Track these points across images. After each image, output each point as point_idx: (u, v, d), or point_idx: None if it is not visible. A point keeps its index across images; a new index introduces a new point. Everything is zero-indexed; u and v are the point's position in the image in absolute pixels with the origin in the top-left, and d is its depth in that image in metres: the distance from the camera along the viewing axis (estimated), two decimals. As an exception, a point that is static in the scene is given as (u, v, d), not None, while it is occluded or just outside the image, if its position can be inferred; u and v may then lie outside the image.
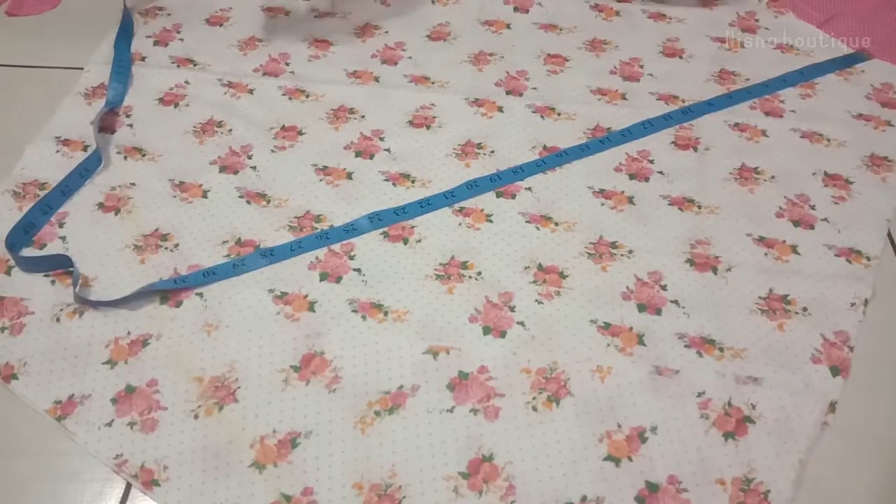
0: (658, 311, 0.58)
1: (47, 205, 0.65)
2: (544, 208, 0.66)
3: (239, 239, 0.63)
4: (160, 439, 0.51)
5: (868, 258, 0.62)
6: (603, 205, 0.66)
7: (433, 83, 0.78)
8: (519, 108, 0.75)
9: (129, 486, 0.50)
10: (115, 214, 0.65)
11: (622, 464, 0.50)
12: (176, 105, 0.76)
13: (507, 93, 0.77)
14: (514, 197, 0.67)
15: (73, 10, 0.90)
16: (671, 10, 0.87)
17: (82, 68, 0.80)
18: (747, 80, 0.78)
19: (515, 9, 0.88)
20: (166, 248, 0.62)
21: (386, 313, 0.58)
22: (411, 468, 0.50)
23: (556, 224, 0.64)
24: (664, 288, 0.60)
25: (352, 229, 0.63)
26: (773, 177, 0.68)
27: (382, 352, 0.56)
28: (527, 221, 0.64)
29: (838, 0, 0.85)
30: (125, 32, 0.83)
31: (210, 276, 0.60)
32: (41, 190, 0.67)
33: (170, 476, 0.50)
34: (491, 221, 0.65)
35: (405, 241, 0.63)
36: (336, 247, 0.62)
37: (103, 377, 0.54)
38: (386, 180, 0.68)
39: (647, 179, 0.68)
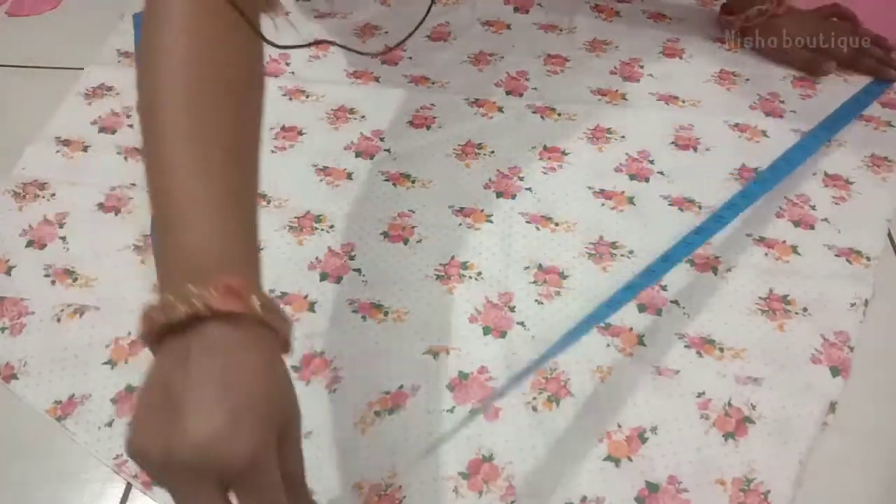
0: (658, 312, 0.58)
1: None
2: (544, 208, 0.66)
3: (239, 239, 0.63)
4: (160, 439, 0.51)
5: (868, 258, 0.61)
6: (603, 205, 0.66)
7: (433, 83, 0.78)
8: (519, 109, 0.75)
9: (129, 487, 0.50)
10: (116, 215, 0.65)
11: (622, 464, 0.50)
12: (176, 105, 0.76)
13: (508, 93, 0.77)
14: (514, 197, 0.67)
15: (73, 11, 0.90)
16: (671, 11, 0.87)
17: (82, 68, 0.80)
18: (747, 80, 0.78)
19: (515, 9, 0.88)
20: (166, 249, 0.62)
21: (386, 313, 0.58)
22: (411, 468, 0.50)
23: (557, 224, 0.64)
24: (664, 288, 0.60)
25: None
26: (773, 177, 0.68)
27: (382, 352, 0.56)
28: (527, 222, 0.64)
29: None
30: None
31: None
32: (41, 190, 0.67)
33: (170, 476, 0.49)
34: (491, 222, 0.65)
35: (405, 242, 0.63)
36: (336, 247, 0.63)
37: (104, 377, 0.54)
38: (386, 180, 0.68)
39: (647, 180, 0.68)
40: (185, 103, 0.38)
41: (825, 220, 0.65)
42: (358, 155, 0.71)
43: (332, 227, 0.64)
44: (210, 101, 0.39)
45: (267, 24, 0.46)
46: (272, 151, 0.71)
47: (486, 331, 0.57)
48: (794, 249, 0.62)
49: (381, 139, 0.72)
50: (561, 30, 0.85)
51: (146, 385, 0.33)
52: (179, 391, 0.31)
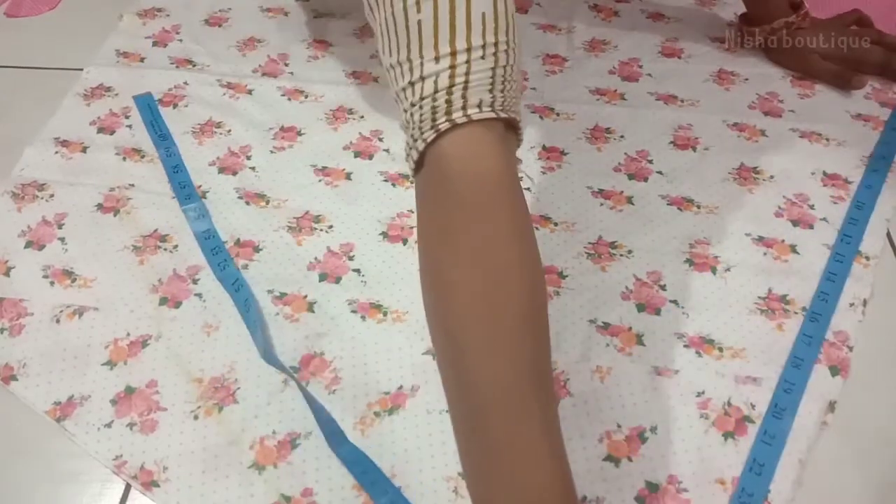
0: (657, 311, 0.58)
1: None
2: (543, 208, 0.66)
3: (238, 240, 0.63)
4: (160, 440, 0.51)
5: (867, 258, 0.61)
6: (602, 205, 0.66)
7: (432, 83, 0.78)
8: (518, 109, 0.75)
9: (128, 487, 0.50)
10: (114, 215, 0.65)
11: (622, 464, 0.50)
12: (175, 106, 0.76)
13: (506, 93, 0.77)
14: (513, 197, 0.66)
15: (71, 12, 0.90)
16: (670, 11, 0.87)
17: (81, 69, 0.80)
18: (746, 79, 0.78)
19: (514, 9, 0.88)
20: (165, 250, 0.62)
21: (385, 314, 0.58)
22: (411, 469, 0.50)
23: (555, 224, 0.64)
24: (663, 288, 0.60)
25: None
26: (771, 176, 0.68)
27: (382, 352, 0.56)
28: (526, 222, 0.64)
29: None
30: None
31: None
32: (40, 191, 0.67)
33: (169, 477, 0.50)
34: (490, 222, 0.64)
35: (404, 242, 0.63)
36: (335, 247, 0.62)
37: (103, 378, 0.54)
38: (385, 181, 0.68)
39: (646, 179, 0.68)
40: (495, 340, 0.39)
41: (824, 219, 0.65)
42: (357, 155, 0.71)
43: (331, 227, 0.64)
44: (519, 332, 0.39)
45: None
46: (271, 152, 0.71)
47: (486, 331, 0.57)
48: (793, 249, 0.62)
49: (380, 139, 0.72)
50: (560, 30, 0.85)
51: None
52: None
